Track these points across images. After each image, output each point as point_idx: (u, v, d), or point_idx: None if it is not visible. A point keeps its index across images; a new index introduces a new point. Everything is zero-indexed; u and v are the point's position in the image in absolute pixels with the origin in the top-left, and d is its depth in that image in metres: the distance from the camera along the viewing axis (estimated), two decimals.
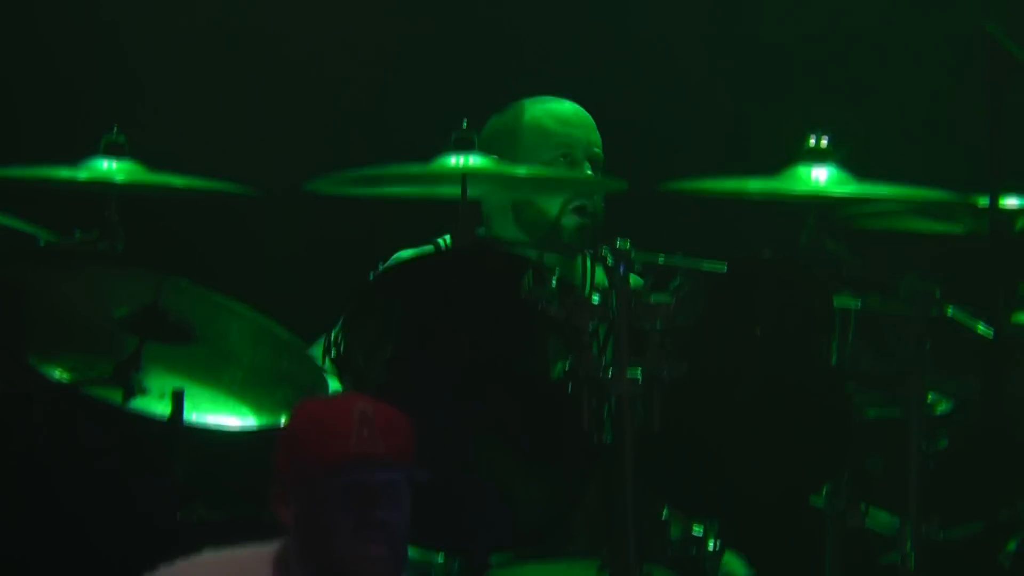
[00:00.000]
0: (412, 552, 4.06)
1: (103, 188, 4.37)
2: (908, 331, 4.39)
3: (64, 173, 4.30)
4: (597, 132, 4.75)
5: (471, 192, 4.26)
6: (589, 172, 4.73)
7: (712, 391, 4.40)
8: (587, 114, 4.76)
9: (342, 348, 4.13)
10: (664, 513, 4.40)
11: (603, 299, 4.00)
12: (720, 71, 5.91)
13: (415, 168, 4.20)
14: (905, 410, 4.52)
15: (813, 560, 5.20)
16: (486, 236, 4.82)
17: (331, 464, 3.24)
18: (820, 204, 4.37)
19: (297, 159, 5.32)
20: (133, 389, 4.48)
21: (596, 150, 4.74)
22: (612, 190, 4.62)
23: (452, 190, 4.22)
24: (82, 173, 4.30)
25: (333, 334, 4.04)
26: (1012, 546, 5.31)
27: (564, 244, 4.87)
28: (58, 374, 4.34)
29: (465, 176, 4.15)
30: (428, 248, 4.67)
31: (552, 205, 4.67)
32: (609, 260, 4.15)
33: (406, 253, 4.60)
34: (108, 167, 4.32)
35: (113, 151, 4.29)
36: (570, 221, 4.75)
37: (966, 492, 5.11)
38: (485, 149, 4.27)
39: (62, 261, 4.49)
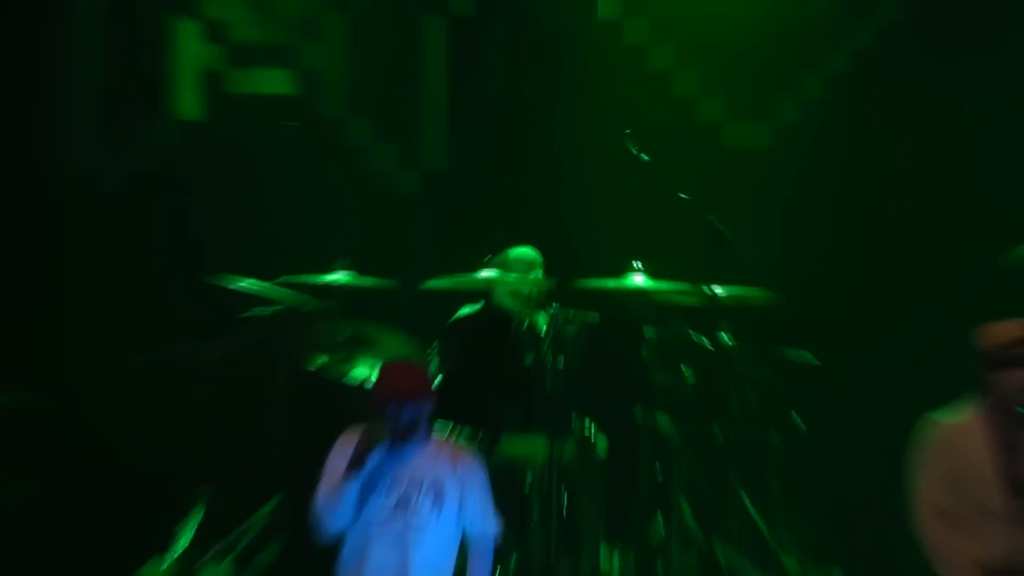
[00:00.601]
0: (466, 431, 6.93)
1: (337, 288, 7.20)
2: (671, 345, 7.34)
3: (322, 279, 7.13)
4: (541, 259, 7.53)
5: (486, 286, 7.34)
6: (541, 274, 7.48)
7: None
8: (537, 251, 7.56)
9: (435, 355, 7.29)
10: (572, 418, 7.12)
11: (546, 332, 6.89)
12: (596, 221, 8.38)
13: (468, 277, 7.06)
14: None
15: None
16: (496, 306, 7.55)
17: (385, 392, 5.64)
18: (641, 293, 7.15)
19: (414, 268, 7.60)
20: (351, 370, 7.02)
21: (540, 267, 7.49)
22: (549, 287, 7.34)
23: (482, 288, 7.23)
24: (329, 279, 7.13)
25: (431, 349, 7.28)
26: None
27: (530, 309, 7.41)
28: (318, 364, 7.18)
29: (491, 283, 7.18)
30: (476, 306, 7.55)
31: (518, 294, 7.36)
32: (550, 314, 6.95)
33: (466, 308, 7.61)
34: (339, 277, 7.18)
35: (343, 268, 7.17)
36: (520, 301, 7.38)
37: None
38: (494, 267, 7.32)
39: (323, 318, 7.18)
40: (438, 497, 5.80)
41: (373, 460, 5.74)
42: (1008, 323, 6.02)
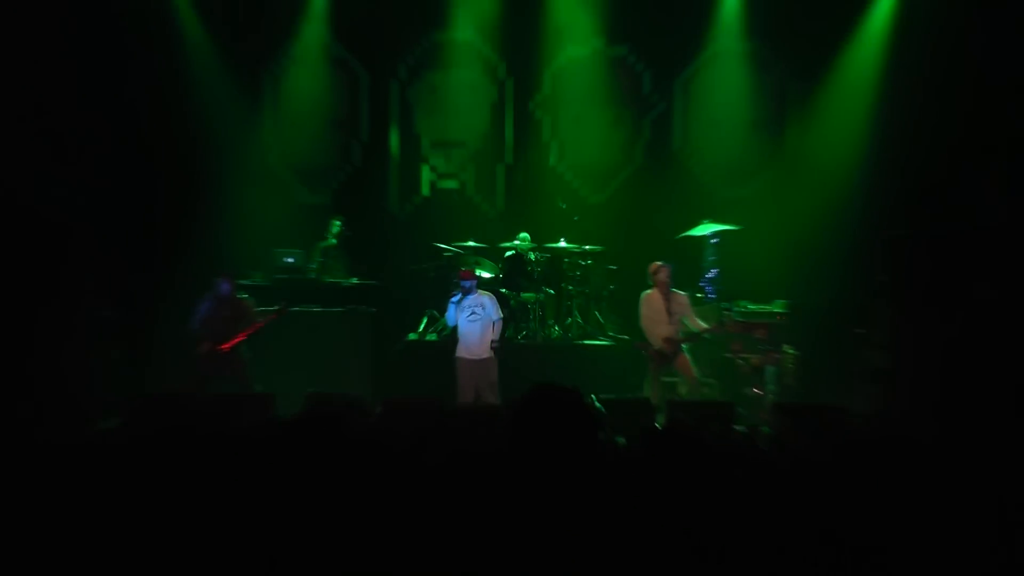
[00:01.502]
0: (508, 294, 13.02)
1: (469, 247, 13.85)
2: (572, 263, 14.09)
3: (464, 244, 14.08)
4: (530, 237, 13.43)
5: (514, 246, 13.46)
6: (531, 243, 13.21)
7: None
8: (528, 235, 13.44)
9: (501, 269, 13.68)
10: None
11: (534, 259, 13.64)
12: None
13: (509, 243, 13.76)
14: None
15: None
16: (518, 251, 13.42)
17: (459, 278, 12.00)
18: (564, 248, 13.81)
19: (494, 239, 13.83)
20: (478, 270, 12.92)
21: (530, 239, 13.27)
22: (534, 246, 13.62)
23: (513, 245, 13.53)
24: (466, 244, 14.06)
25: (499, 264, 13.70)
26: None
27: (527, 253, 13.36)
28: (463, 270, 12.91)
29: (515, 245, 13.83)
30: (511, 252, 13.56)
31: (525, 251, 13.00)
32: (535, 254, 13.68)
33: (508, 252, 13.59)
34: (470, 243, 13.88)
35: (472, 240, 13.90)
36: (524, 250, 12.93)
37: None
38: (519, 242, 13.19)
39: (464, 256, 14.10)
40: (483, 308, 11.00)
41: (456, 299, 10.97)
42: (657, 263, 11.33)
